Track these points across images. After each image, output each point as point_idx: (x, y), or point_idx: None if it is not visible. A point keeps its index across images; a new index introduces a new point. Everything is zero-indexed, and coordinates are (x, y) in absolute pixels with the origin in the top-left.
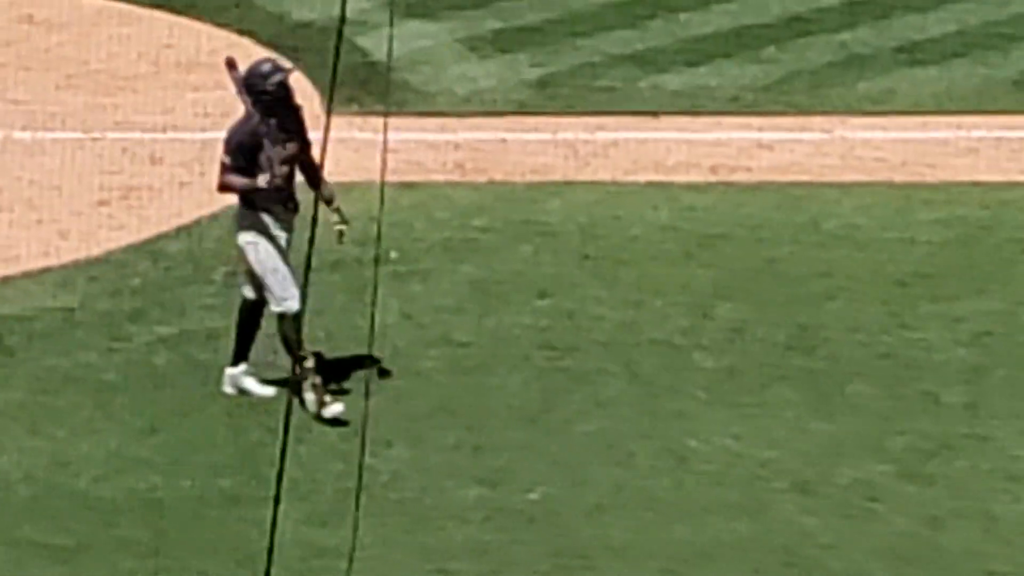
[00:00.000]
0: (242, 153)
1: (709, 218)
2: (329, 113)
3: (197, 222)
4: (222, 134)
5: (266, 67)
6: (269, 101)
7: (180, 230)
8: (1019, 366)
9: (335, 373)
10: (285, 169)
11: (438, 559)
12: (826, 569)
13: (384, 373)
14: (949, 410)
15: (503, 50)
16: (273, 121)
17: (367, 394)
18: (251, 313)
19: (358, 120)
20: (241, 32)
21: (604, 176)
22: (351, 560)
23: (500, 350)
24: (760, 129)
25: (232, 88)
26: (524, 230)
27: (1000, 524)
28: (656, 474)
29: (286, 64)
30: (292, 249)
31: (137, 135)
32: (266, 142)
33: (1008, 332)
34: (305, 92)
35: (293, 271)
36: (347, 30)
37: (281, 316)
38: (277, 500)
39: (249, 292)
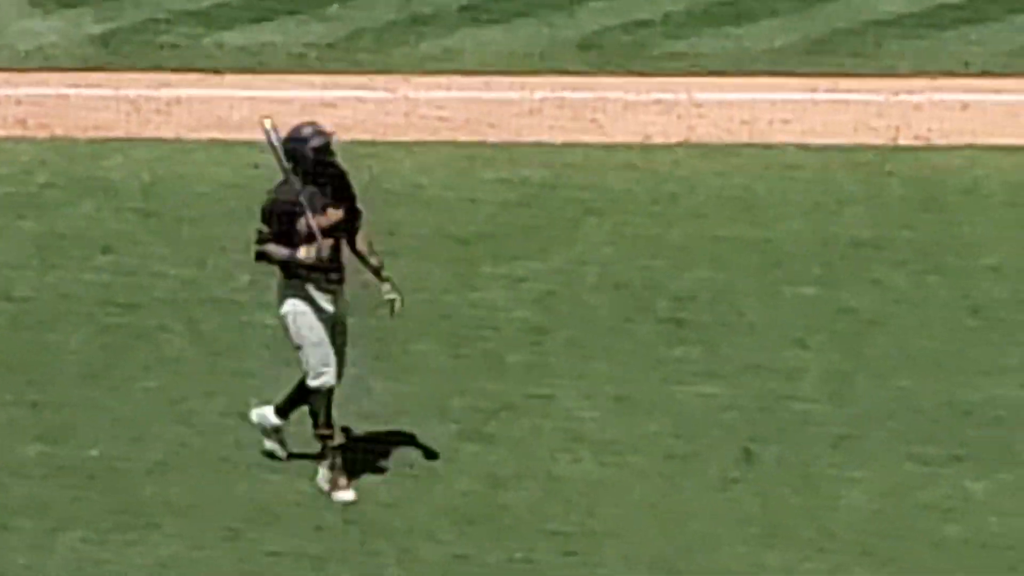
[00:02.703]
0: (279, 221)
1: (272, 176)
2: None
3: None
4: None
5: (306, 131)
6: (310, 166)
7: None
8: (581, 326)
9: None
10: (330, 241)
11: None
12: (388, 527)
13: None
14: (511, 370)
15: (66, 5)
16: (313, 188)
17: None
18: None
19: None
20: None
21: (167, 133)
22: None
23: (61, 306)
24: (324, 87)
25: (270, 153)
26: (86, 186)
27: (561, 484)
28: (218, 432)
29: (327, 128)
30: (341, 320)
31: None
32: (307, 210)
33: (570, 292)
34: None
35: (332, 345)
36: None
37: (314, 390)
38: None
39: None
